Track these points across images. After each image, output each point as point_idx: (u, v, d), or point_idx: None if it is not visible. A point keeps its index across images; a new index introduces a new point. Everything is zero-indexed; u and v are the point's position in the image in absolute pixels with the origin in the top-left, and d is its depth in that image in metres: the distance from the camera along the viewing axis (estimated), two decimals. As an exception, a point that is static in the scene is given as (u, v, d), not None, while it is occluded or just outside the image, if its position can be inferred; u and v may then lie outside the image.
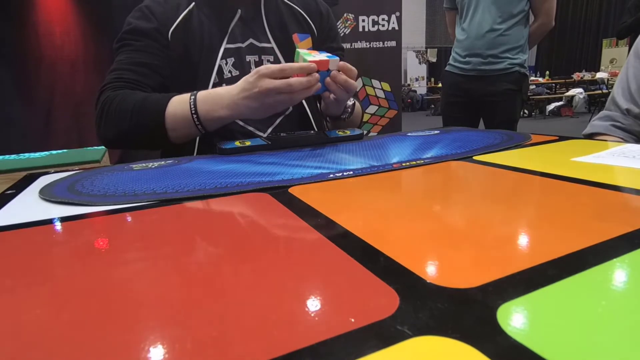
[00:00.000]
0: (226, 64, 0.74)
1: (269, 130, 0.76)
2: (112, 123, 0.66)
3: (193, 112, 0.63)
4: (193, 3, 0.73)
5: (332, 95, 0.67)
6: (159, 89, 0.71)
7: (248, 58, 0.76)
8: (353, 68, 0.65)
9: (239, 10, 0.75)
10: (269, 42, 0.77)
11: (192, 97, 0.64)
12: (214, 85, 0.73)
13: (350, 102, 0.76)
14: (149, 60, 0.70)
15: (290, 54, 0.78)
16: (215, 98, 0.63)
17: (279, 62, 0.78)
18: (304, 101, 0.80)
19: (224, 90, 0.64)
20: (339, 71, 0.64)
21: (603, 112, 0.83)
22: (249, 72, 0.76)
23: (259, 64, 0.76)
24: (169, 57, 0.72)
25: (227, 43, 0.74)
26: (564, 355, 0.15)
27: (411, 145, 0.62)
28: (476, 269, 0.22)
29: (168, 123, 0.64)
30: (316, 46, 0.82)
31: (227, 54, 0.74)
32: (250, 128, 0.75)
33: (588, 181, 0.38)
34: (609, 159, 0.47)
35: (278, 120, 0.77)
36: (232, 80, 0.73)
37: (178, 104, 0.64)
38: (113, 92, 0.67)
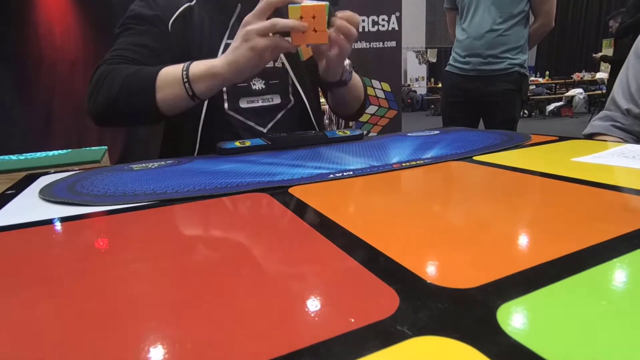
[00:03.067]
0: None
1: (270, 125, 0.76)
2: (104, 91, 0.64)
3: (184, 69, 0.61)
4: None
5: (333, 51, 0.64)
6: None
7: None
8: (355, 14, 0.62)
9: (239, 5, 0.75)
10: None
11: (190, 61, 0.62)
12: None
13: (347, 62, 0.73)
14: (150, 43, 0.70)
15: None
16: (210, 59, 0.62)
17: (280, 58, 0.78)
18: (304, 96, 0.79)
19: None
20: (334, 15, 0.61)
21: (603, 112, 0.83)
22: None
23: None
24: (170, 46, 0.71)
25: (228, 39, 0.74)
26: (564, 355, 0.15)
27: (411, 145, 0.62)
28: (476, 269, 0.22)
29: (158, 82, 0.62)
30: None
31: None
32: (251, 123, 0.75)
33: (588, 181, 0.38)
34: (609, 159, 0.47)
35: (279, 115, 0.77)
36: None
37: (173, 66, 0.63)
38: (110, 66, 0.66)
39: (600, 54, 4.82)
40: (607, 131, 0.80)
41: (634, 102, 0.78)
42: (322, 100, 0.92)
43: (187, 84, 0.60)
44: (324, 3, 0.56)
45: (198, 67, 0.61)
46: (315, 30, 0.55)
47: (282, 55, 0.78)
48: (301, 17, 0.55)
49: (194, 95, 0.61)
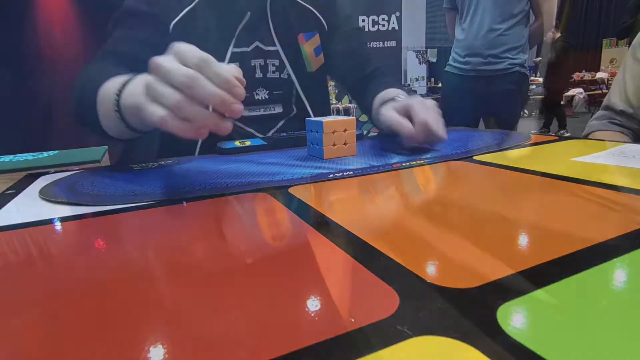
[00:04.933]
0: None
1: (270, 132, 0.76)
2: (72, 95, 0.60)
3: (116, 93, 0.46)
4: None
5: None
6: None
7: (253, 62, 0.74)
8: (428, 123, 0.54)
9: (248, 13, 0.73)
10: (274, 45, 0.76)
11: (131, 77, 0.47)
12: None
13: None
14: (145, 36, 0.66)
15: (295, 57, 0.77)
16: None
17: (284, 66, 0.77)
18: (308, 106, 0.79)
19: None
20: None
21: (600, 112, 0.83)
22: (254, 76, 0.74)
23: (264, 67, 0.75)
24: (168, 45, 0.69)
25: (234, 47, 0.72)
26: (564, 355, 0.15)
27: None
28: (476, 269, 0.22)
29: (98, 103, 0.52)
30: (330, 36, 0.80)
31: (233, 58, 0.72)
32: (251, 129, 0.74)
33: (588, 181, 0.38)
34: (609, 159, 0.47)
35: (280, 123, 0.77)
36: None
37: (113, 80, 0.50)
38: (92, 64, 0.62)
39: (539, 59, 4.95)
40: (605, 126, 0.80)
41: (629, 104, 0.78)
42: (332, 101, 0.92)
43: (118, 112, 0.45)
44: (353, 117, 0.57)
45: (130, 96, 0.44)
46: (345, 144, 0.56)
47: (288, 67, 0.76)
48: (334, 131, 0.55)
49: (133, 129, 0.47)
